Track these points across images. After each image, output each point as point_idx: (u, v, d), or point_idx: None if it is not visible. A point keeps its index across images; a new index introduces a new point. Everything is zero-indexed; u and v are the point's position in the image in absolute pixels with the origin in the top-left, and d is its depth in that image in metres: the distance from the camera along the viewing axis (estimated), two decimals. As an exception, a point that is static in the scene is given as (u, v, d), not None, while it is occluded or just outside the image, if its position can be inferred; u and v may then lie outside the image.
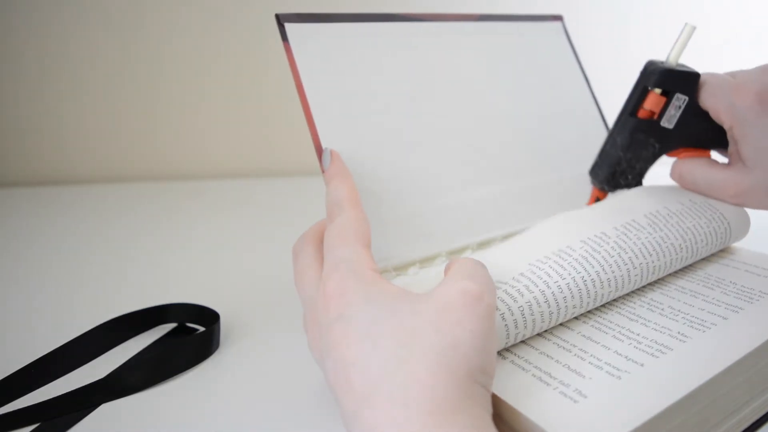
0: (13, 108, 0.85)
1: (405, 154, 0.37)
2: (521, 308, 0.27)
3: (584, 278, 0.29)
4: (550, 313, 0.28)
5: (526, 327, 0.28)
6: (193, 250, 0.59)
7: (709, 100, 0.37)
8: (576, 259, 0.30)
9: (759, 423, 0.29)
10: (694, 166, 0.38)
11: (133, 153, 0.88)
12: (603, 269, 0.30)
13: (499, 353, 0.27)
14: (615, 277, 0.30)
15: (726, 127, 0.36)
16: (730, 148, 0.38)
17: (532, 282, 0.29)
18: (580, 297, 0.29)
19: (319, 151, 0.34)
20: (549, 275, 0.29)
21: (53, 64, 0.83)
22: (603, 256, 0.31)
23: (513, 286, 0.28)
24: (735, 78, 0.36)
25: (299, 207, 0.70)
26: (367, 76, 0.37)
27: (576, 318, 0.30)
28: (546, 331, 0.29)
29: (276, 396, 0.33)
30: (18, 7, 0.80)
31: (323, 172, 0.32)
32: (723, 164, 0.38)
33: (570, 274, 0.29)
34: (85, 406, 0.33)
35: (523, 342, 0.28)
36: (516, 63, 0.44)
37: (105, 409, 0.33)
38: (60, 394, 0.34)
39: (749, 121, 0.34)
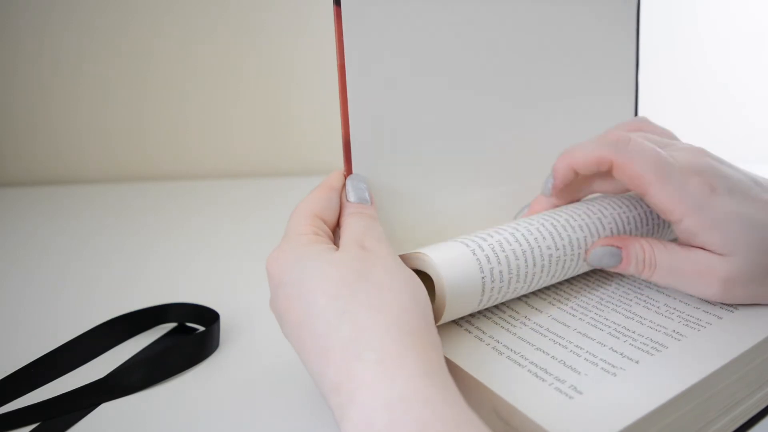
0: (11, 108, 0.85)
1: (439, 152, 0.35)
2: (492, 246, 0.29)
3: (554, 224, 0.31)
4: (523, 252, 0.29)
5: (500, 263, 0.28)
6: (193, 249, 0.59)
7: (658, 191, 0.29)
8: (545, 216, 0.32)
9: (754, 420, 0.30)
10: (656, 246, 0.30)
11: (133, 153, 0.88)
12: (573, 216, 0.32)
13: (496, 349, 0.28)
14: (587, 223, 0.32)
15: (674, 218, 0.29)
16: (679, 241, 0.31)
17: (503, 229, 0.31)
18: (552, 238, 0.30)
19: (347, 145, 0.32)
20: (519, 224, 0.31)
21: (52, 64, 0.83)
22: (573, 209, 0.33)
23: (487, 233, 0.30)
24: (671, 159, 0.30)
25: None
26: (420, 58, 0.33)
27: (572, 315, 0.30)
28: (541, 325, 0.29)
29: (276, 395, 0.33)
30: (16, 6, 0.80)
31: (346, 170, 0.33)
32: (688, 246, 0.30)
33: (540, 222, 0.31)
34: (85, 405, 0.33)
35: (519, 338, 0.28)
36: (574, 42, 0.41)
37: (105, 409, 0.33)
38: (60, 393, 0.34)
39: (701, 203, 0.28)
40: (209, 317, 0.41)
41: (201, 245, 0.60)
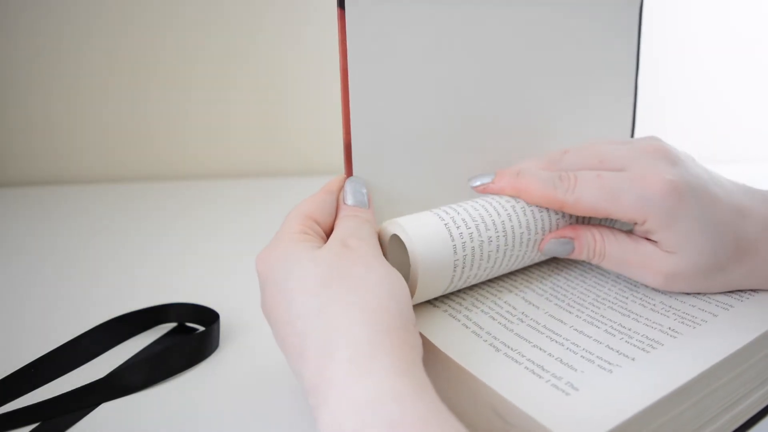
0: (11, 108, 0.85)
1: (441, 156, 0.35)
2: (458, 212, 0.30)
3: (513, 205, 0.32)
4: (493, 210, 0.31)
5: (468, 227, 0.30)
6: (193, 249, 0.59)
7: (617, 212, 0.30)
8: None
9: (754, 420, 0.30)
10: (606, 236, 0.32)
11: (133, 153, 0.88)
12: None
13: (493, 345, 0.28)
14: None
15: (638, 224, 0.30)
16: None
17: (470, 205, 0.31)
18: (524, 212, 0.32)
19: (348, 148, 0.32)
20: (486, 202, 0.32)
21: (51, 64, 0.83)
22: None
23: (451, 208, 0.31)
24: (624, 170, 0.31)
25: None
26: (422, 62, 0.33)
27: (569, 312, 0.31)
28: (537, 322, 0.30)
29: (276, 395, 0.33)
30: (15, 6, 0.80)
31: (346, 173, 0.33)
32: (637, 238, 0.31)
33: (506, 200, 0.32)
34: (85, 405, 0.33)
35: (516, 334, 0.29)
36: (574, 47, 0.40)
37: (105, 408, 0.33)
38: (60, 393, 0.34)
39: (670, 209, 0.29)
40: (209, 317, 0.41)
41: (201, 245, 0.60)
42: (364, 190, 0.31)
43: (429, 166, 0.35)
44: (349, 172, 0.32)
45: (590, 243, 0.32)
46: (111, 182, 0.87)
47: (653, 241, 0.30)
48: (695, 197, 0.29)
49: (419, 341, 0.25)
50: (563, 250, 0.32)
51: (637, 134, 0.47)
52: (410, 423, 0.19)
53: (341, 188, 0.32)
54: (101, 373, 0.36)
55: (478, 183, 0.33)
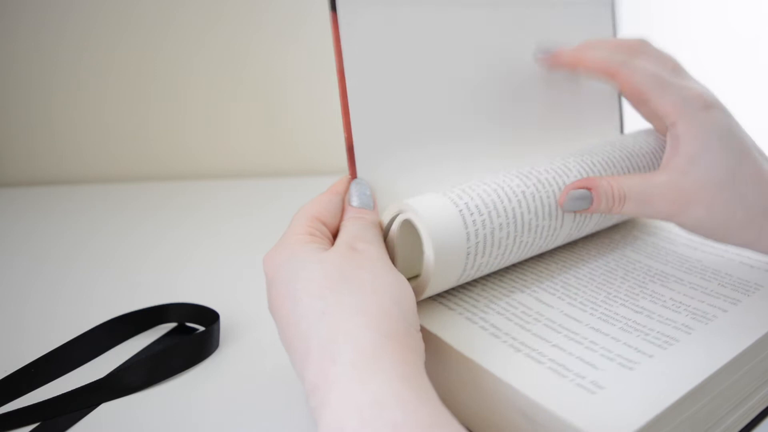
0: (11, 108, 0.85)
1: (442, 153, 0.35)
2: (471, 196, 0.30)
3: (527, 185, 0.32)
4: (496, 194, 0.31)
5: (481, 213, 0.29)
6: (193, 249, 0.59)
7: (658, 98, 0.32)
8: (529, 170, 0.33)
9: (759, 418, 0.30)
10: (622, 180, 0.32)
11: (133, 153, 0.88)
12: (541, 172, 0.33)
13: (513, 346, 0.27)
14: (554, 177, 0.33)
15: (669, 121, 0.31)
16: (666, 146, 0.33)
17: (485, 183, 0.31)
18: (535, 185, 0.32)
19: (350, 150, 0.32)
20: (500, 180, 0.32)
21: (51, 64, 0.83)
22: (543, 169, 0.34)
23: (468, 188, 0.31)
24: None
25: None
26: (418, 61, 0.33)
27: (583, 310, 0.30)
28: (554, 321, 0.29)
29: (276, 395, 0.33)
30: (15, 6, 0.80)
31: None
32: (652, 172, 0.33)
33: (520, 179, 0.32)
34: (85, 405, 0.33)
35: (534, 334, 0.28)
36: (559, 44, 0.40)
37: (105, 409, 0.33)
38: (60, 393, 0.33)
39: (696, 115, 0.31)
40: (209, 317, 0.41)
41: (201, 245, 0.60)
42: (369, 192, 0.31)
43: (431, 164, 0.35)
44: (353, 172, 0.32)
45: (607, 190, 0.31)
46: (111, 182, 0.87)
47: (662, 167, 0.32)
48: (724, 112, 0.31)
49: (422, 346, 0.25)
50: (582, 204, 0.32)
51: (626, 129, 0.47)
52: (412, 426, 0.19)
53: (347, 189, 0.32)
54: (101, 373, 0.36)
55: (544, 54, 0.37)
